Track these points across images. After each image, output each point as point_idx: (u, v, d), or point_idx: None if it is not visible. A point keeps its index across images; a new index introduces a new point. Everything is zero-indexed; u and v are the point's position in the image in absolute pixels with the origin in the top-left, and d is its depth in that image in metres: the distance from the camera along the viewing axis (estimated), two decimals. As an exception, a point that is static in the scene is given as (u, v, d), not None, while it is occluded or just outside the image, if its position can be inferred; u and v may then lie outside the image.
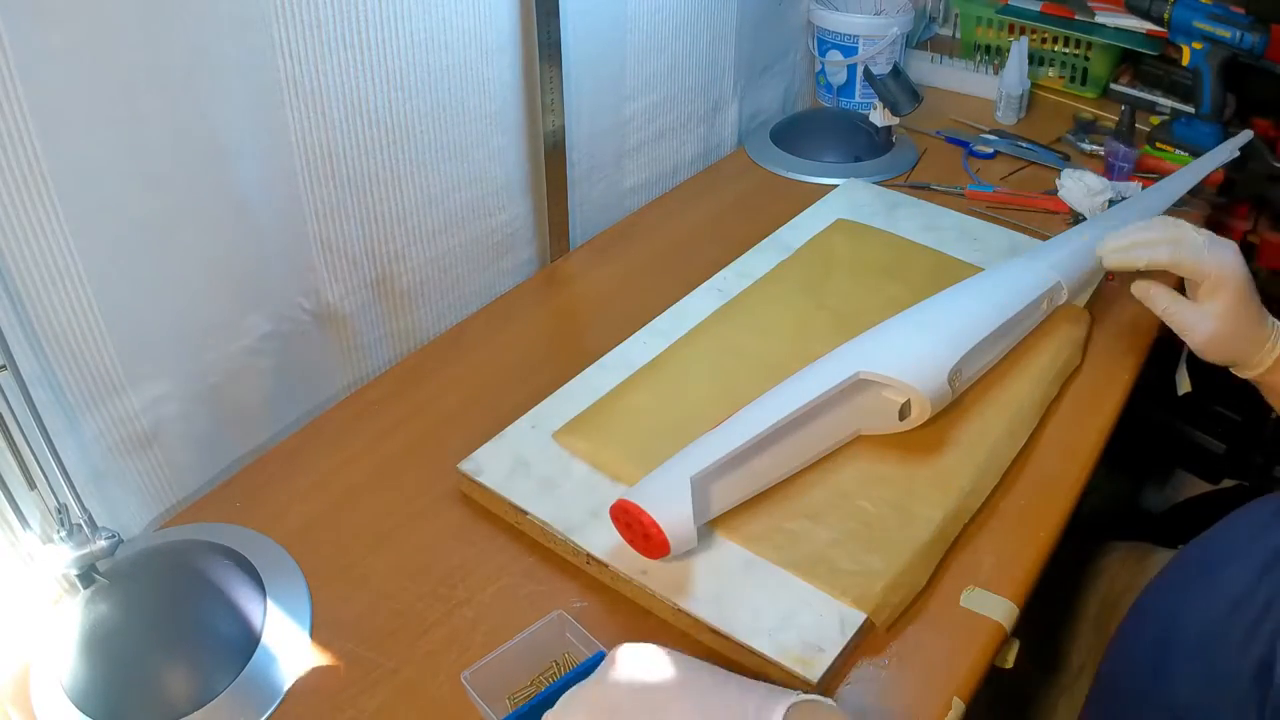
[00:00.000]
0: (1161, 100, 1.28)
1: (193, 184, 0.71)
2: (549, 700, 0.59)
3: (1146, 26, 1.22)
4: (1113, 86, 1.33)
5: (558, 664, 0.63)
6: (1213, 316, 0.74)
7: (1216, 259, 0.73)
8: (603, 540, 0.68)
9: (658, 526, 0.63)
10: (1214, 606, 0.62)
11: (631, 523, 0.65)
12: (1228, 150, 1.03)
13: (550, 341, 0.94)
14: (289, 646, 0.65)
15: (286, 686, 0.63)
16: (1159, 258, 0.75)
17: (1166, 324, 0.77)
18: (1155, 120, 1.25)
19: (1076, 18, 1.30)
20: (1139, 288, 0.78)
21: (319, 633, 0.67)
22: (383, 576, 0.70)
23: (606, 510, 0.68)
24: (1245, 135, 1.05)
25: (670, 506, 0.64)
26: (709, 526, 0.69)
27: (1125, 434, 0.83)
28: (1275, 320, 0.75)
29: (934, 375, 0.74)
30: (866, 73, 1.23)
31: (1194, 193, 1.01)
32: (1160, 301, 0.77)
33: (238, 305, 0.78)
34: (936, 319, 0.80)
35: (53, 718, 0.61)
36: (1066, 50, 1.33)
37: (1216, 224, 1.19)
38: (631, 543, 0.66)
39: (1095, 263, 0.85)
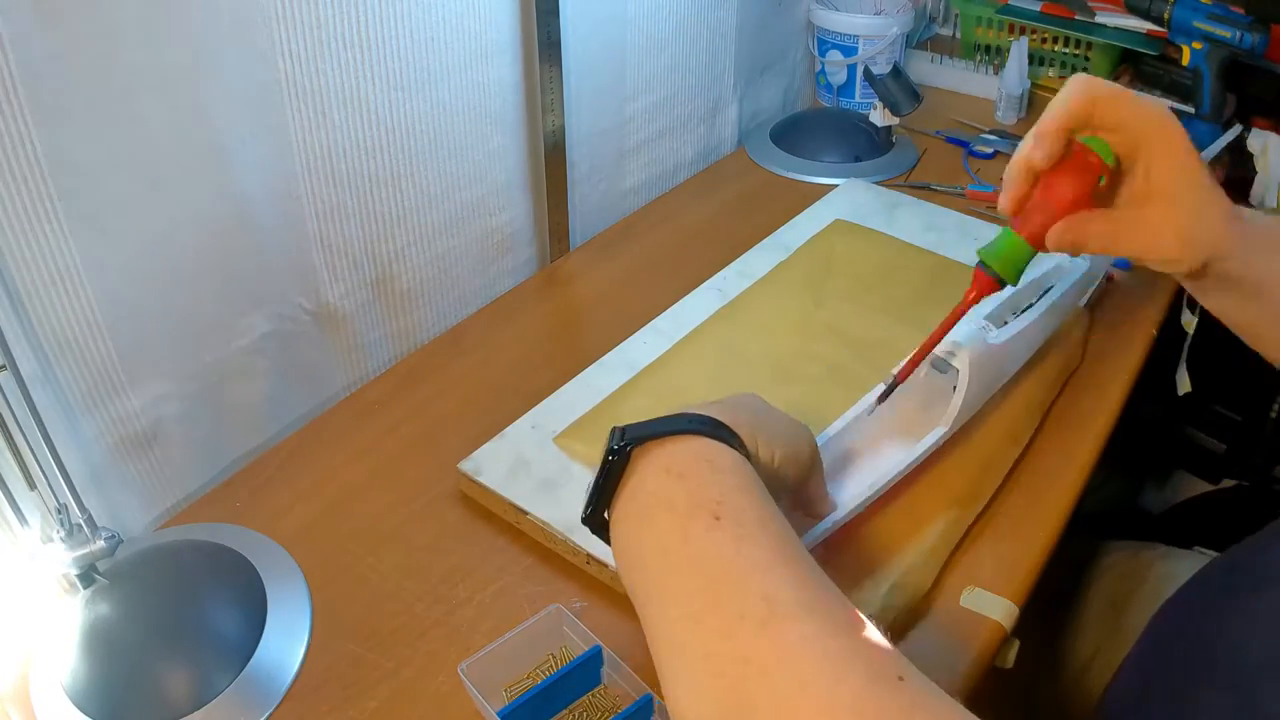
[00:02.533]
0: (1161, 100, 1.28)
1: (193, 184, 0.71)
2: (545, 693, 0.59)
3: (1146, 26, 1.22)
4: (1113, 86, 1.33)
5: (554, 657, 0.63)
6: (1169, 186, 0.56)
7: (1145, 110, 0.56)
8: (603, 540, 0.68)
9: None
10: (1254, 633, 0.53)
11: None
12: (1218, 147, 1.03)
13: (550, 341, 0.94)
14: (289, 646, 0.65)
15: (286, 686, 0.63)
16: (1071, 108, 0.56)
17: (1119, 251, 0.59)
18: (1155, 120, 1.25)
19: (1076, 18, 1.30)
20: (1057, 233, 0.57)
21: (319, 633, 0.67)
22: (383, 576, 0.70)
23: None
24: (1235, 130, 1.05)
25: None
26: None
27: (1125, 434, 0.83)
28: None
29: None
30: (866, 73, 1.23)
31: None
32: (1094, 228, 0.57)
33: (238, 305, 0.78)
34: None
35: (53, 717, 0.61)
36: (1066, 50, 1.33)
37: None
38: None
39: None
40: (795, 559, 0.45)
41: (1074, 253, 0.59)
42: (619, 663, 0.60)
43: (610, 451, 0.51)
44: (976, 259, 0.60)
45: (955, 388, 0.70)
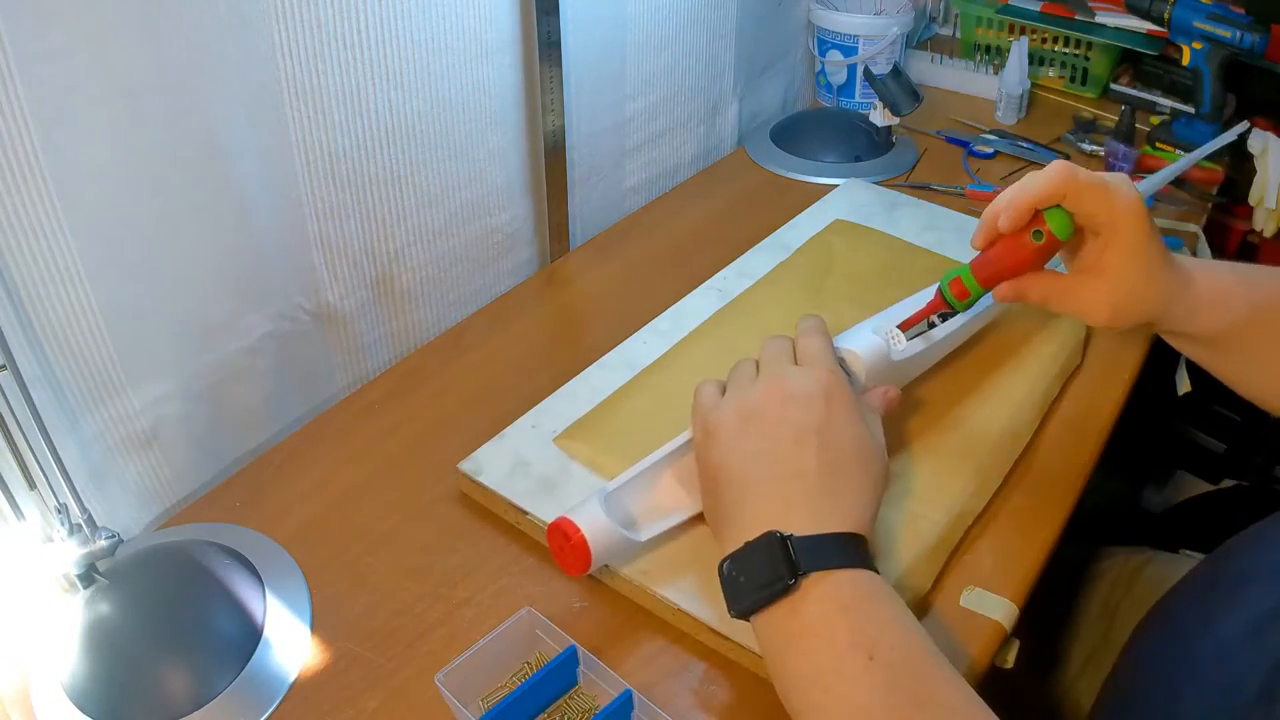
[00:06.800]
0: (1161, 100, 1.28)
1: (193, 184, 0.71)
2: (521, 699, 0.59)
3: (1146, 26, 1.22)
4: (1113, 86, 1.33)
5: (529, 664, 0.63)
6: (1116, 268, 0.62)
7: (1117, 203, 0.60)
8: (603, 540, 0.68)
9: (574, 525, 0.62)
10: (1232, 631, 0.54)
11: (558, 537, 0.64)
12: (1218, 144, 1.03)
13: (550, 341, 0.94)
14: (289, 646, 0.65)
15: (286, 686, 0.63)
16: (1051, 186, 0.60)
17: (1055, 309, 0.66)
18: (1155, 120, 1.25)
19: (1076, 18, 1.31)
20: (1004, 291, 0.65)
21: (319, 633, 0.67)
22: (383, 576, 0.70)
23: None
24: (1242, 126, 1.05)
25: (586, 513, 0.63)
26: (709, 527, 0.69)
27: (1125, 434, 0.83)
28: (1176, 256, 0.64)
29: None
30: (866, 73, 1.23)
31: (1195, 194, 1.01)
32: (1038, 288, 0.64)
33: (238, 305, 0.78)
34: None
35: (53, 718, 0.61)
36: (1066, 50, 1.33)
37: (1216, 224, 1.19)
38: (559, 556, 0.65)
39: None
40: (940, 696, 0.50)
41: (1014, 298, 0.66)
42: (595, 661, 0.60)
43: (780, 575, 0.53)
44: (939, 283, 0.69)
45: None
